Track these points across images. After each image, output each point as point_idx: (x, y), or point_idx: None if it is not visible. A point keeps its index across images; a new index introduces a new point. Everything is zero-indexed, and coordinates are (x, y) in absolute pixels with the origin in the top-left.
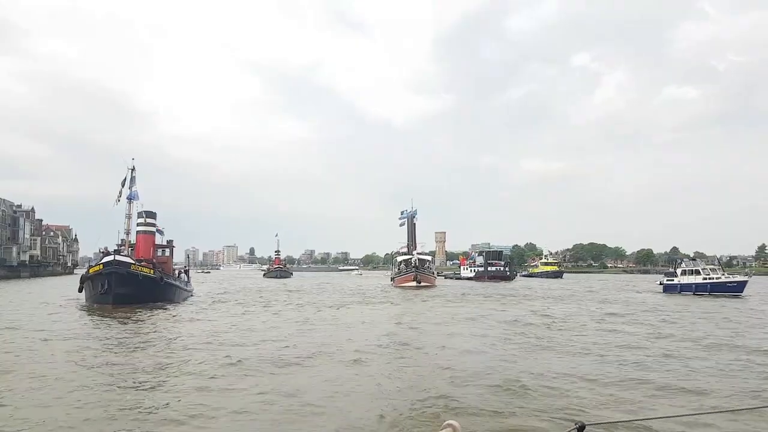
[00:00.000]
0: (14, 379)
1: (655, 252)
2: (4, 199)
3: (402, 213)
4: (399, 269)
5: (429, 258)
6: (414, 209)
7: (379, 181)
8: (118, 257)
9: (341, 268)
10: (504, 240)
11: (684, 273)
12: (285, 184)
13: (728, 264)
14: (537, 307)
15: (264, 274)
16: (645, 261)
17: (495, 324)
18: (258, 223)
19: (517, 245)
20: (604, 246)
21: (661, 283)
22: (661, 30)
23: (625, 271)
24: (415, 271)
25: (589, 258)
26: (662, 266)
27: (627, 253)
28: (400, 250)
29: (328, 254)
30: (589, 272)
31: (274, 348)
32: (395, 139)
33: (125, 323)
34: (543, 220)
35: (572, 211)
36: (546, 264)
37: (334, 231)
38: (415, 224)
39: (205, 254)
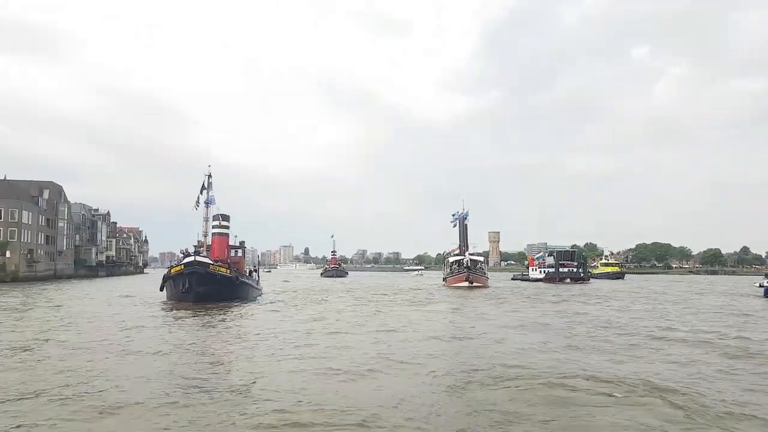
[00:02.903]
0: (112, 360)
1: (723, 252)
2: (83, 204)
3: (453, 214)
4: (451, 269)
5: (481, 259)
6: (466, 210)
7: (428, 181)
8: (198, 258)
9: (406, 268)
10: (561, 239)
11: None
12: (334, 185)
13: None
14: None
15: (321, 274)
16: (712, 261)
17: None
18: (310, 224)
19: (576, 245)
20: (669, 246)
21: (761, 285)
22: (720, 20)
23: (692, 272)
24: (467, 271)
25: (653, 258)
26: (731, 267)
27: (693, 253)
28: (452, 251)
29: (379, 254)
30: (653, 273)
31: (364, 344)
32: (441, 139)
33: (205, 318)
34: (601, 219)
35: (632, 210)
36: (606, 264)
37: (384, 231)
38: (466, 225)
39: (262, 254)
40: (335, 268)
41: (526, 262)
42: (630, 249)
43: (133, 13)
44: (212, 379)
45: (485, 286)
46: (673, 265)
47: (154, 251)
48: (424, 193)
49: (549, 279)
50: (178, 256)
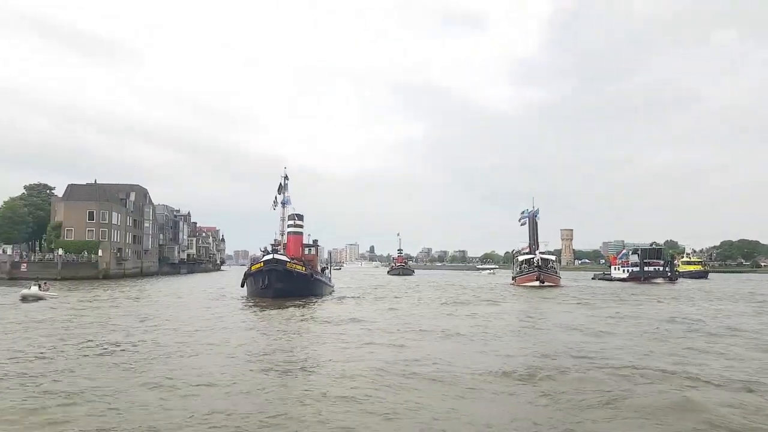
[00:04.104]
0: (206, 347)
1: None
2: (166, 205)
3: (523, 212)
4: (521, 268)
5: (553, 257)
6: (536, 208)
7: (495, 178)
8: (276, 256)
9: (478, 266)
10: (639, 237)
11: None
12: (398, 183)
13: None
14: None
15: (388, 272)
16: None
17: None
18: (375, 222)
19: (655, 242)
20: (757, 243)
21: None
22: None
23: None
24: (537, 270)
25: (739, 256)
26: None
27: None
28: (522, 249)
29: (445, 252)
30: (740, 272)
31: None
32: (510, 134)
33: (287, 311)
34: (682, 216)
35: (715, 206)
36: (688, 263)
37: (449, 229)
38: (537, 223)
39: (329, 252)
40: (401, 267)
41: (602, 261)
42: (714, 246)
43: (208, 23)
44: (297, 363)
45: (557, 286)
46: (762, 264)
47: (228, 249)
48: (492, 189)
49: (633, 278)
50: (253, 255)
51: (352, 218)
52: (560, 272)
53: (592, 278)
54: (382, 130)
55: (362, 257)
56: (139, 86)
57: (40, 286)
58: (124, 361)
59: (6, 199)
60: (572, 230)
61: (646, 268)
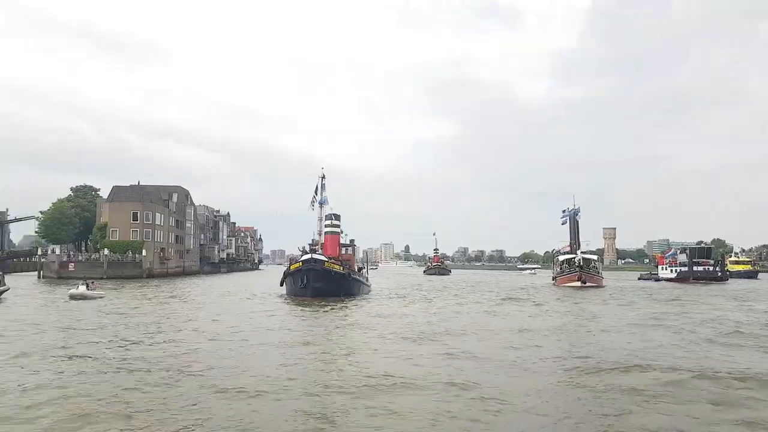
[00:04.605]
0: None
1: None
2: (206, 206)
3: (564, 211)
4: (561, 268)
5: (595, 257)
6: (577, 206)
7: (533, 176)
8: (314, 256)
9: (519, 266)
10: (684, 236)
11: None
12: (433, 182)
13: None
14: None
15: (424, 271)
16: None
17: None
18: (410, 222)
19: (701, 242)
20: None
21: None
22: None
23: None
24: (579, 270)
25: None
26: None
27: None
28: (562, 249)
29: (482, 252)
30: None
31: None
32: (548, 132)
33: (326, 310)
34: (728, 214)
35: (762, 204)
36: (736, 263)
37: (486, 228)
38: (577, 222)
39: (364, 251)
40: (438, 266)
41: (646, 260)
42: (764, 245)
43: (247, 23)
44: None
45: (599, 286)
46: None
47: (265, 248)
48: (530, 188)
49: (681, 278)
50: (289, 254)
51: (386, 218)
52: (602, 272)
53: (639, 278)
54: (415, 128)
55: (397, 257)
56: (176, 89)
57: (87, 286)
58: (188, 365)
59: (54, 201)
60: (615, 229)
61: (695, 268)
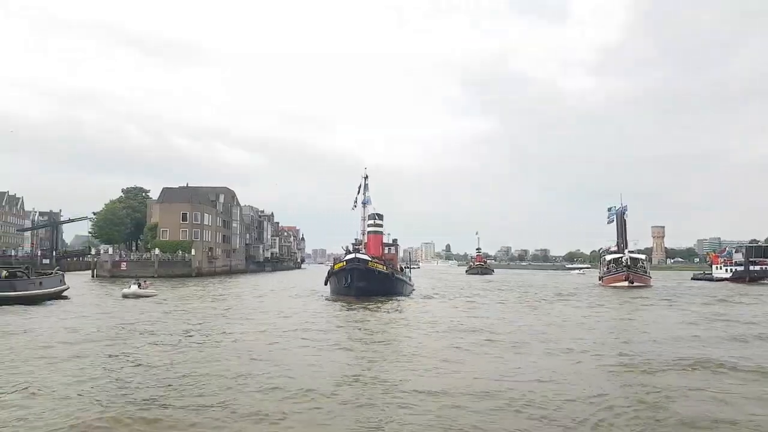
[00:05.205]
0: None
1: None
2: (251, 206)
3: (610, 209)
4: (608, 268)
5: (643, 256)
6: (624, 205)
7: (577, 173)
8: (358, 255)
9: (568, 266)
10: (736, 234)
11: None
12: (474, 180)
13: None
14: None
15: (466, 271)
16: None
17: None
18: (451, 220)
19: (755, 240)
20: None
21: None
22: None
23: None
24: (626, 270)
25: None
26: None
27: None
28: (609, 248)
29: (525, 251)
30: None
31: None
32: (594, 128)
33: (370, 309)
34: None
35: None
36: None
37: (528, 227)
38: (625, 220)
39: (404, 251)
40: (481, 266)
41: (696, 259)
42: None
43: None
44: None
45: (647, 286)
46: None
47: (306, 248)
48: (573, 186)
49: (737, 278)
50: (330, 253)
51: (426, 217)
52: (651, 272)
53: (692, 278)
54: (456, 125)
55: (438, 256)
56: (219, 91)
57: (140, 285)
58: (247, 364)
59: (107, 202)
60: (664, 227)
61: (752, 268)
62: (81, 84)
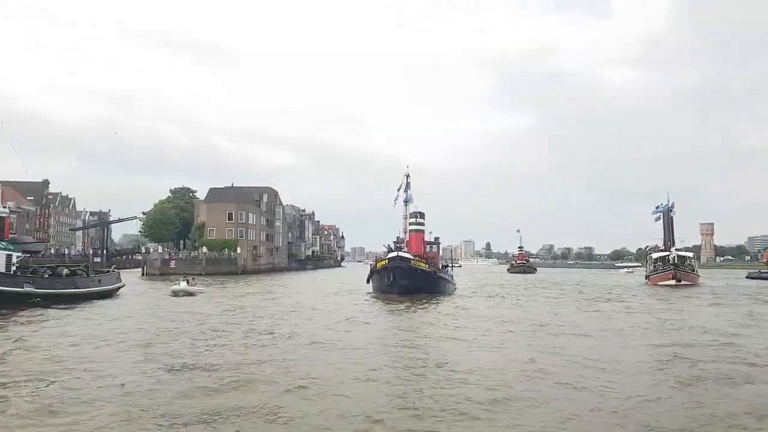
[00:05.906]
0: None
1: None
2: (293, 206)
3: (657, 207)
4: (655, 267)
5: (690, 254)
6: (671, 202)
7: (622, 170)
8: (400, 253)
9: (617, 264)
10: None
11: None
12: (515, 178)
13: None
14: None
15: (508, 270)
16: None
17: None
18: (491, 218)
19: None
20: None
21: None
22: None
23: None
24: (673, 268)
25: None
26: None
27: None
28: (655, 246)
29: (568, 249)
30: None
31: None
32: (639, 123)
33: (414, 308)
34: None
35: None
36: None
37: (571, 225)
38: (672, 218)
39: (444, 249)
40: (522, 264)
41: (747, 258)
42: None
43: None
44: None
45: (695, 285)
46: None
47: (346, 246)
48: (618, 183)
49: None
50: (369, 252)
51: (466, 215)
52: (699, 270)
53: (747, 276)
54: (496, 122)
55: (478, 254)
56: (259, 92)
57: (188, 282)
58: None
59: (156, 202)
60: (713, 224)
61: None
62: (120, 86)
